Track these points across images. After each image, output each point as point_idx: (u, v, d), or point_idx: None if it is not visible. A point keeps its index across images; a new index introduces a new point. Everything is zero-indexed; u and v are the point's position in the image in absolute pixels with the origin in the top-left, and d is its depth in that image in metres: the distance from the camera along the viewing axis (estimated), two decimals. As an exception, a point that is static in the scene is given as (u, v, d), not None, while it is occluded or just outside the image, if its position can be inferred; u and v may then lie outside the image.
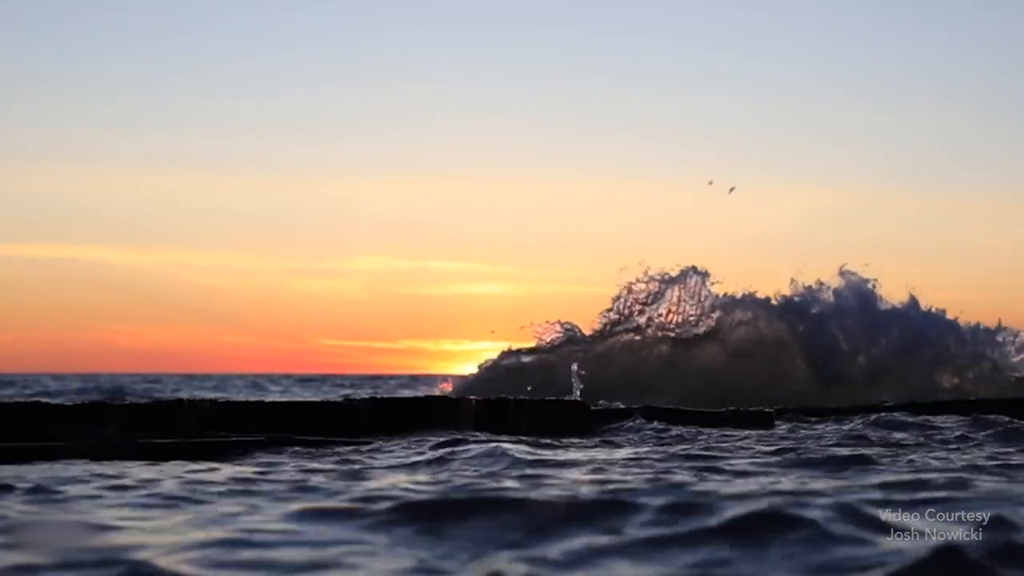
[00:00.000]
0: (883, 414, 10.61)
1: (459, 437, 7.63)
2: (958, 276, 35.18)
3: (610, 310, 19.85)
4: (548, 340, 19.69)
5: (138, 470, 5.91)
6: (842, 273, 19.80)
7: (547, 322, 19.82)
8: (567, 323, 19.87)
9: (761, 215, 30.17)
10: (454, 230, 54.79)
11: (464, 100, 64.38)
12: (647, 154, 51.80)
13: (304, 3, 77.15)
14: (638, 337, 19.72)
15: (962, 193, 44.56)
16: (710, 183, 21.32)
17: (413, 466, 6.18)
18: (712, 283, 19.86)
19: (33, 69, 71.33)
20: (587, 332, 19.83)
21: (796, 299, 19.78)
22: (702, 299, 19.88)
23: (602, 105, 60.13)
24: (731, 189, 20.44)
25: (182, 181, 63.37)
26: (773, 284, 20.35)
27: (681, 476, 5.45)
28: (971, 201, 42.75)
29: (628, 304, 19.89)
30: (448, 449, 6.79)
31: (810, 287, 19.83)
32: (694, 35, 62.09)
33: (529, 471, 5.66)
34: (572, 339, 19.73)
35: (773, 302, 19.78)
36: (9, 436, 7.09)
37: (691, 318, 19.84)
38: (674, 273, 19.90)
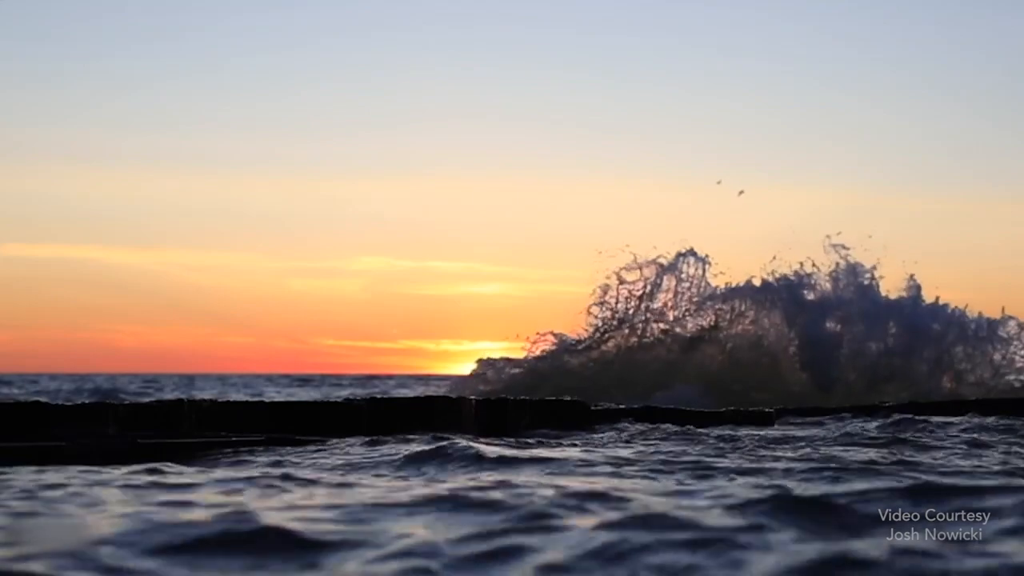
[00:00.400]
0: (883, 415, 10.64)
1: (439, 436, 7.59)
2: (958, 276, 35.23)
3: (600, 303, 19.14)
4: (539, 352, 19.10)
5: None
6: (834, 247, 19.04)
7: (538, 333, 19.26)
8: (559, 333, 19.25)
9: (761, 215, 30.16)
10: (454, 230, 54.91)
11: (464, 100, 64.46)
12: (647, 154, 51.86)
13: (304, 3, 77.18)
14: (635, 339, 19.11)
15: (962, 193, 44.63)
16: (718, 183, 21.15)
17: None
18: (715, 274, 19.26)
19: (33, 69, 71.37)
20: (581, 332, 19.16)
21: (792, 278, 19.08)
22: (701, 289, 19.21)
23: (602, 105, 60.22)
24: (740, 192, 20.18)
25: (182, 181, 63.47)
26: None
27: (643, 482, 5.25)
28: (971, 201, 42.82)
29: (622, 298, 19.12)
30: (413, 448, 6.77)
31: (802, 267, 19.13)
32: (695, 36, 62.12)
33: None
34: (565, 348, 19.08)
35: (770, 280, 19.10)
36: (9, 436, 7.09)
37: (689, 311, 19.18)
38: (669, 257, 19.17)
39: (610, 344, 19.14)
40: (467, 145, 62.65)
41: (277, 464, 6.36)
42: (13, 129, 65.78)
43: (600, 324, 19.23)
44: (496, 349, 20.49)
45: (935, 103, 52.75)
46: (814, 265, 19.20)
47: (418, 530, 3.77)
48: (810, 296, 19.10)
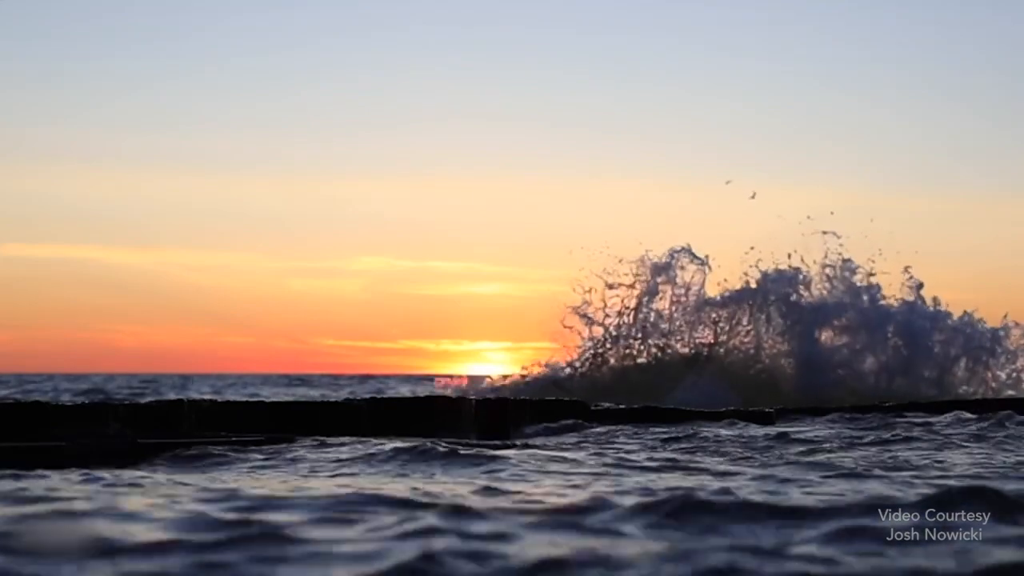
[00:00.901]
0: (882, 414, 10.65)
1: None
2: (958, 276, 35.24)
3: (583, 315, 18.25)
4: (529, 379, 18.26)
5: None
6: (824, 234, 18.00)
7: (524, 368, 18.59)
8: (552, 364, 18.49)
9: (761, 215, 30.14)
10: (454, 230, 55.00)
11: (464, 100, 64.54)
12: (647, 154, 51.95)
13: (304, 3, 77.20)
14: (630, 361, 18.22)
15: (962, 193, 44.73)
16: (728, 183, 20.80)
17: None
18: (717, 281, 18.47)
19: (33, 69, 71.39)
20: (572, 349, 18.36)
21: (787, 272, 18.17)
22: (699, 296, 18.32)
23: (602, 105, 60.29)
24: (752, 195, 19.70)
25: (182, 181, 63.51)
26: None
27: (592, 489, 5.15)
28: (971, 201, 42.91)
29: (612, 311, 18.25)
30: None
31: (790, 259, 18.25)
32: (696, 36, 62.25)
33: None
34: (557, 376, 18.22)
35: (764, 273, 18.23)
36: (9, 436, 7.10)
37: (686, 321, 18.33)
38: (662, 256, 18.29)
39: (604, 369, 18.21)
40: (467, 145, 62.77)
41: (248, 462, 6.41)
42: (13, 129, 65.84)
43: (591, 345, 18.33)
44: (496, 349, 20.24)
45: (935, 103, 52.90)
46: (803, 260, 18.33)
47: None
48: (806, 296, 18.22)
